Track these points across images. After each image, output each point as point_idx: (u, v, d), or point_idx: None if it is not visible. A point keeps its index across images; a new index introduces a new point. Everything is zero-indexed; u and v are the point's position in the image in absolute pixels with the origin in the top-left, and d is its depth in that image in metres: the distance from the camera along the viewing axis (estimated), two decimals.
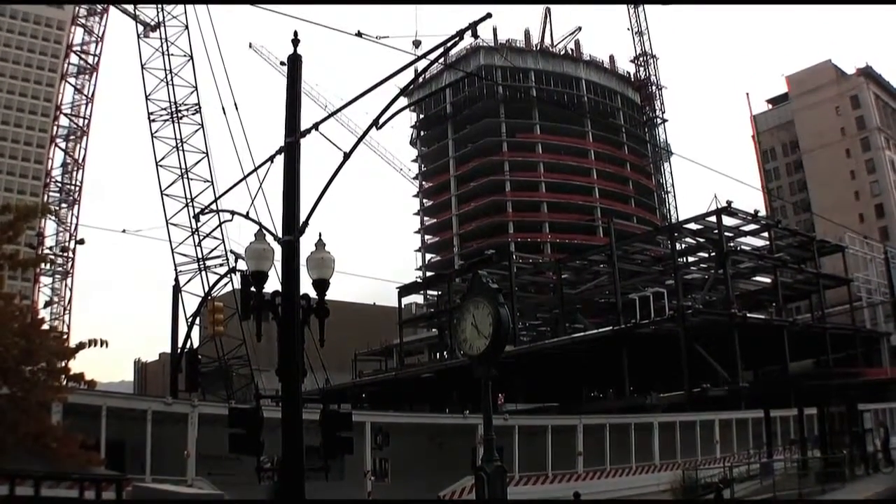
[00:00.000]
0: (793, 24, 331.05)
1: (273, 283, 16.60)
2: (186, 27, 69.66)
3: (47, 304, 77.65)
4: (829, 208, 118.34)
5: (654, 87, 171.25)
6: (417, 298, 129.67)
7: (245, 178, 18.57)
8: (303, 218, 15.97)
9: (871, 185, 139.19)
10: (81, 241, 79.88)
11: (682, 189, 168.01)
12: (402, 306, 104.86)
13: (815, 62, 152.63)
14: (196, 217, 56.67)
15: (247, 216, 18.04)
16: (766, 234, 77.92)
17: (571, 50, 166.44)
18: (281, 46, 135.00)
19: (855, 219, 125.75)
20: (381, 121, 15.45)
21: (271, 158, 16.79)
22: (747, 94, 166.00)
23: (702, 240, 73.90)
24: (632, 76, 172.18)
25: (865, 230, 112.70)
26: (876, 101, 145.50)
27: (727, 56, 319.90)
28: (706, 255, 79.31)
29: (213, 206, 34.62)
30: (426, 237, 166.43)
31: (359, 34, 17.55)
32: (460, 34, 15.00)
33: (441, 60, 17.71)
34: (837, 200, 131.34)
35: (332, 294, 16.82)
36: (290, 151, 16.14)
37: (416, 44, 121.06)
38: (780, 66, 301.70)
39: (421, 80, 16.84)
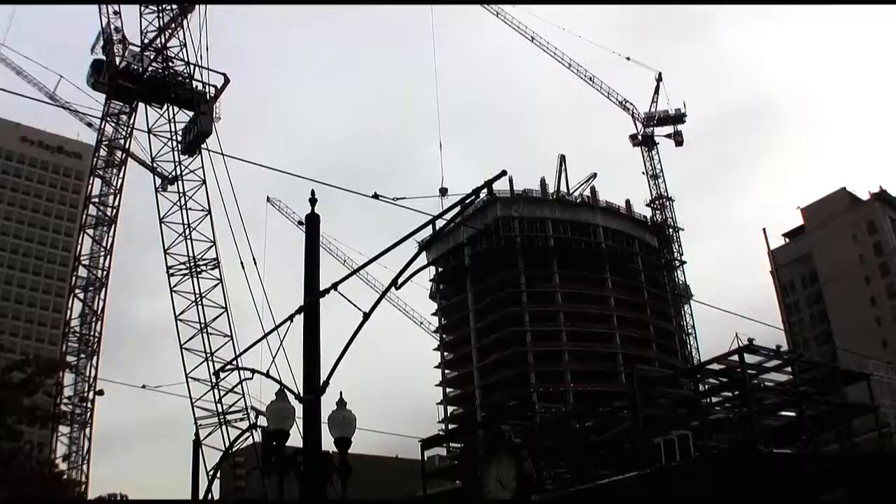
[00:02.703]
0: (805, 155, 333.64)
1: (295, 440, 16.46)
2: (204, 181, 70.95)
3: (65, 457, 76.80)
4: (852, 337, 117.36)
5: (671, 230, 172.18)
6: (440, 451, 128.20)
7: (265, 336, 18.61)
8: (323, 376, 15.88)
9: (892, 309, 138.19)
10: (101, 392, 79.61)
11: (704, 328, 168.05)
12: (426, 459, 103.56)
13: (830, 190, 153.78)
14: (216, 374, 56.62)
15: (267, 374, 17.96)
16: (789, 369, 77.07)
17: (587, 197, 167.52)
18: (299, 202, 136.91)
19: (878, 345, 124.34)
20: (401, 280, 15.49)
21: (291, 318, 16.82)
22: (763, 229, 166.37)
23: (725, 379, 73.12)
24: (648, 220, 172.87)
25: (889, 356, 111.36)
26: (893, 225, 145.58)
27: (742, 192, 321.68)
28: (730, 393, 78.36)
29: (234, 364, 34.60)
30: (448, 390, 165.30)
31: (375, 196, 17.77)
32: (476, 192, 15.14)
33: (458, 212, 17.83)
34: (859, 328, 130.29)
35: (353, 446, 16.69)
36: (310, 311, 16.15)
37: (443, 192, 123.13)
38: (794, 199, 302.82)
39: (439, 230, 17.06)
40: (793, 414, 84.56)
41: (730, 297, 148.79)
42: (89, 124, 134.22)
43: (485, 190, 15.09)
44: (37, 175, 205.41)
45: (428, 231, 18.07)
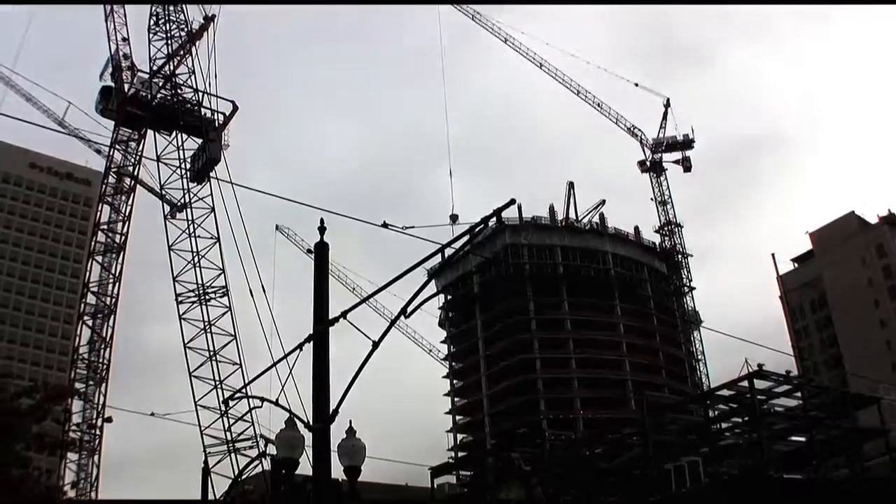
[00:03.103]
0: (813, 180, 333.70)
1: (304, 468, 16.45)
2: (212, 209, 71.03)
3: (74, 484, 76.53)
4: (862, 360, 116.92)
5: (680, 256, 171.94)
6: (450, 479, 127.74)
7: (274, 364, 18.60)
8: (333, 404, 15.88)
9: None
10: (109, 420, 79.49)
11: (713, 353, 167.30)
12: (435, 487, 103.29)
13: (839, 214, 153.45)
14: (226, 402, 56.55)
15: (276, 403, 17.96)
16: (799, 394, 76.78)
17: (596, 223, 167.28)
18: (307, 229, 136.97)
19: (888, 368, 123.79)
20: (410, 309, 15.50)
21: (300, 346, 16.82)
22: (772, 254, 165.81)
23: (734, 405, 72.86)
24: (657, 246, 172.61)
25: None
26: None
27: (751, 218, 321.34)
28: (740, 419, 78.05)
29: (243, 392, 34.58)
30: (457, 417, 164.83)
31: (385, 225, 17.83)
32: (485, 221, 15.18)
33: (467, 240, 17.85)
34: (869, 351, 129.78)
35: (363, 475, 16.69)
36: (319, 339, 16.15)
37: (454, 218, 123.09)
38: (803, 223, 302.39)
39: (448, 258, 17.15)
40: (803, 439, 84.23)
41: (739, 323, 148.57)
42: (98, 151, 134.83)
43: (494, 218, 15.14)
44: (46, 201, 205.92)
45: (437, 259, 18.07)
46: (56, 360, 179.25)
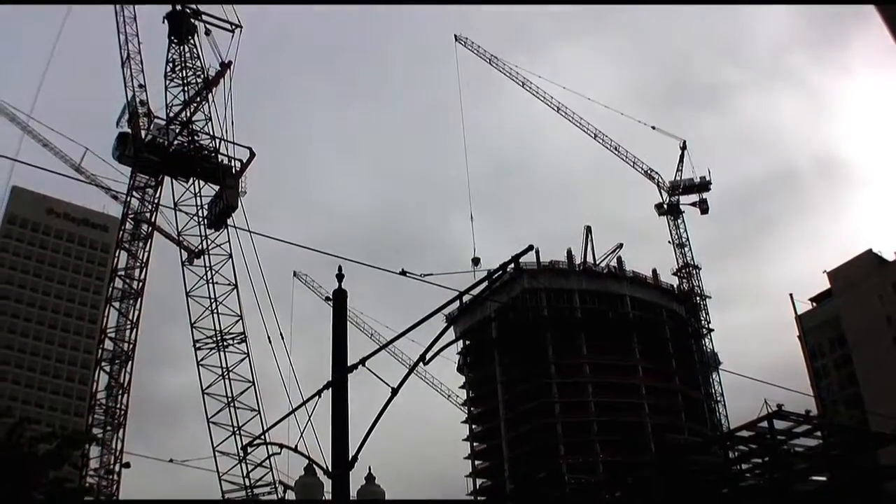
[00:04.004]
0: (830, 219, 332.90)
1: None
2: (230, 256, 71.42)
3: None
4: (881, 398, 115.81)
5: (698, 298, 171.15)
6: None
7: (293, 411, 18.59)
8: (352, 451, 15.87)
9: None
10: (127, 465, 79.35)
11: (732, 395, 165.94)
12: None
13: (856, 252, 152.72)
14: (244, 448, 56.59)
15: (295, 449, 17.99)
16: (819, 433, 76.26)
17: (614, 267, 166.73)
18: (325, 275, 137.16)
19: None
20: (429, 356, 15.52)
21: (319, 393, 16.85)
22: (790, 294, 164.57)
23: (754, 446, 72.43)
24: (675, 289, 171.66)
25: None
26: None
27: (768, 258, 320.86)
28: (760, 460, 77.52)
29: (262, 438, 34.63)
30: (476, 462, 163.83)
31: (403, 273, 17.89)
32: (503, 267, 15.26)
33: (486, 287, 17.89)
34: (889, 389, 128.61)
35: None
36: (338, 386, 16.17)
37: (476, 261, 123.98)
38: (821, 263, 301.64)
39: (466, 304, 17.36)
40: (824, 478, 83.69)
41: (758, 363, 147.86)
42: (115, 197, 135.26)
43: (511, 265, 15.21)
44: (63, 247, 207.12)
45: (455, 304, 18.12)
46: (74, 405, 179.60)
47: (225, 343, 69.31)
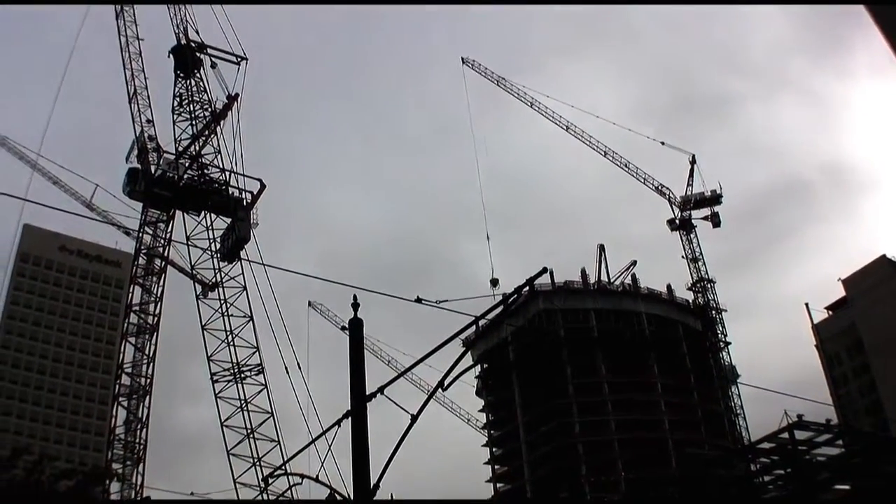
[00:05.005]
0: (842, 227, 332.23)
1: None
2: (244, 288, 71.52)
3: None
4: None
5: (714, 312, 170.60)
6: None
7: (313, 441, 18.65)
8: (373, 478, 15.88)
9: None
10: (147, 500, 79.32)
11: (751, 407, 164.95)
12: None
13: (870, 259, 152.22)
14: (265, 479, 56.54)
15: (317, 479, 18.04)
16: (840, 442, 75.91)
17: (629, 285, 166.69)
18: (340, 303, 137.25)
19: None
20: (447, 382, 15.56)
21: (339, 422, 16.88)
22: (806, 304, 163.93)
23: (776, 457, 72.11)
24: (691, 303, 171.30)
25: None
26: None
27: (783, 269, 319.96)
28: (782, 471, 77.15)
29: (283, 469, 34.64)
30: (498, 485, 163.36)
31: (418, 300, 17.93)
32: (518, 290, 15.32)
33: (501, 311, 17.92)
34: None
35: None
36: (357, 415, 16.20)
37: (494, 282, 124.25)
38: (835, 271, 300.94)
39: (482, 328, 17.48)
40: (847, 487, 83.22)
41: (776, 374, 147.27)
42: (127, 232, 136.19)
43: (526, 287, 15.27)
44: (76, 284, 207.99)
45: (472, 329, 18.17)
46: (93, 440, 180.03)
47: (242, 375, 69.43)
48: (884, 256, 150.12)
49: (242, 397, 68.62)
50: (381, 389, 16.29)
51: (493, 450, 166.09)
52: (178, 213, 79.74)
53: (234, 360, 70.04)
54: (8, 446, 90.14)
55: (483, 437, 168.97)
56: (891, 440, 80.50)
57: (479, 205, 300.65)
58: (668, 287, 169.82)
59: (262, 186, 78.68)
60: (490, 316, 16.61)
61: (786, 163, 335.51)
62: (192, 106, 78.71)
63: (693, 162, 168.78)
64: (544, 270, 15.70)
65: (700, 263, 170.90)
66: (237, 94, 78.98)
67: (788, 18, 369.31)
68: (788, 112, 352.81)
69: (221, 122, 77.94)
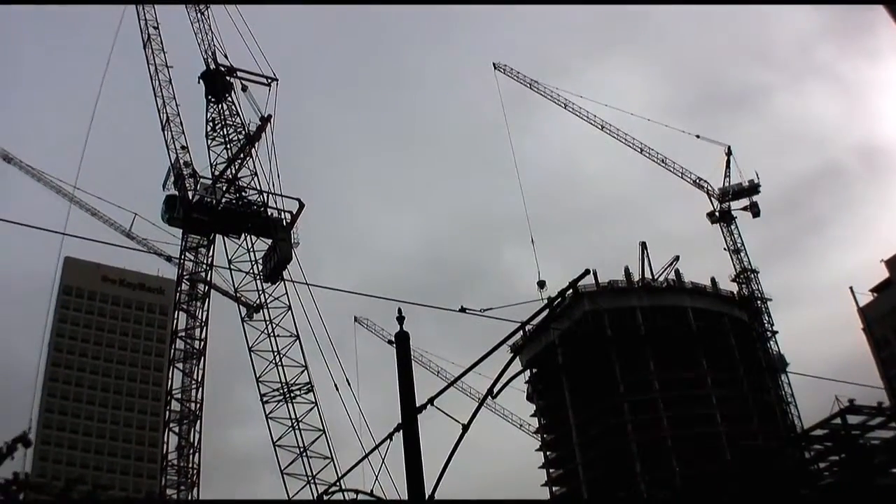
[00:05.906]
0: (881, 208, 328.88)
1: None
2: (289, 307, 71.82)
3: None
4: None
5: (759, 302, 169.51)
6: None
7: (366, 456, 18.75)
8: (427, 490, 15.94)
9: None
10: None
11: (802, 394, 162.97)
12: None
13: None
14: (320, 497, 56.75)
15: (371, 494, 18.11)
16: (894, 424, 75.13)
17: (673, 280, 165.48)
18: (384, 317, 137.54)
19: None
20: (497, 389, 15.62)
21: (390, 436, 16.96)
22: (850, 287, 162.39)
23: (830, 444, 71.51)
24: (736, 295, 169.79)
25: None
26: None
27: (825, 254, 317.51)
28: (837, 457, 76.46)
29: (337, 485, 34.79)
30: (554, 488, 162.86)
31: (463, 310, 18.02)
32: (562, 293, 15.34)
33: (547, 315, 17.95)
34: None
35: None
36: (409, 428, 16.27)
37: (541, 284, 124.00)
38: (878, 252, 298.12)
39: (529, 332, 17.55)
40: None
41: (825, 359, 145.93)
42: (168, 259, 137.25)
43: (570, 290, 15.30)
44: (121, 313, 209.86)
45: (519, 334, 18.20)
46: (146, 468, 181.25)
47: (292, 394, 69.75)
48: None
49: (293, 416, 68.93)
50: (430, 401, 16.35)
51: (547, 453, 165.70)
52: (219, 237, 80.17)
53: (284, 380, 70.40)
54: (62, 477, 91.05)
55: (536, 441, 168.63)
56: None
57: (515, 211, 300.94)
58: (712, 280, 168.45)
59: (301, 206, 78.92)
60: (536, 321, 16.66)
61: (819, 149, 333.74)
62: (225, 130, 79.21)
63: (729, 153, 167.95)
64: (587, 272, 15.74)
65: (742, 254, 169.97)
66: (270, 116, 79.40)
67: (810, 6, 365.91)
68: (818, 99, 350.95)
69: (256, 145, 78.35)
